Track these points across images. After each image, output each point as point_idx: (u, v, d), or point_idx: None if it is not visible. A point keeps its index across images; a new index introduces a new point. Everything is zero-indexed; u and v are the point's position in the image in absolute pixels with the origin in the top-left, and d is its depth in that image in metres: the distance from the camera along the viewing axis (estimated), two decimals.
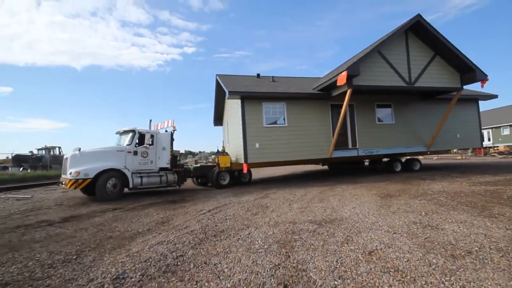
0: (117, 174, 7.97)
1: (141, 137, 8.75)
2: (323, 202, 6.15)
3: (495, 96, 13.07)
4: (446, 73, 10.70)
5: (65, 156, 8.40)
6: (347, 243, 3.39)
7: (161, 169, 9.10)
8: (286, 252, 3.15)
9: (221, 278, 2.58)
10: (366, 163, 15.27)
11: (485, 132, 32.72)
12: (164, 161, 9.10)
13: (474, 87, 12.20)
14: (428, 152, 12.84)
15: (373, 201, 5.95)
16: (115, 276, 2.68)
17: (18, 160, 18.85)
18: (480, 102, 13.38)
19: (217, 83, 13.31)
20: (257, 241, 3.60)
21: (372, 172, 12.46)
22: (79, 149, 7.92)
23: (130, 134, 8.78)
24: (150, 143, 8.75)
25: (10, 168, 17.63)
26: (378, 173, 11.78)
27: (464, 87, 11.39)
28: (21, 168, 17.13)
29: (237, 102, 10.45)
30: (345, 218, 4.58)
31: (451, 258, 2.79)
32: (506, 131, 30.83)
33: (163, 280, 2.59)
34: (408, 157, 12.90)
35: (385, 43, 9.77)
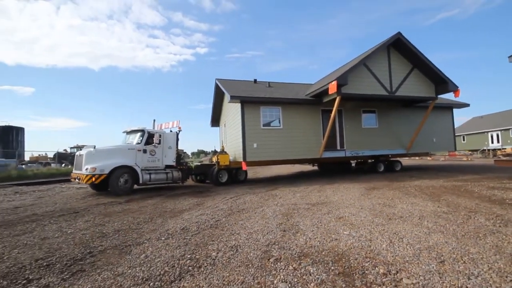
0: (129, 170, 8.54)
1: (150, 136, 9.31)
2: (320, 192, 7.72)
3: (467, 105, 14.65)
4: (422, 84, 12.24)
5: (78, 153, 8.82)
6: (327, 213, 5.11)
7: (167, 166, 9.74)
8: (287, 218, 4.87)
9: (246, 229, 4.29)
10: (353, 164, 16.13)
11: (494, 134, 32.67)
12: (170, 159, 9.77)
13: (450, 96, 13.63)
14: (408, 154, 14.24)
15: (359, 192, 7.45)
16: (182, 228, 4.39)
17: (60, 157, 22.03)
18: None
19: (217, 87, 14.36)
20: (268, 213, 5.32)
21: (365, 172, 13.28)
22: (94, 147, 8.45)
23: (139, 133, 9.30)
24: (158, 142, 9.34)
25: (54, 164, 19.90)
26: (374, 173, 12.60)
27: (441, 96, 12.93)
28: (63, 164, 19.22)
29: (236, 106, 11.40)
30: (333, 201, 6.26)
31: (388, 220, 4.52)
32: None
33: (211, 230, 4.29)
34: (391, 159, 13.95)
35: (370, 56, 11.24)
